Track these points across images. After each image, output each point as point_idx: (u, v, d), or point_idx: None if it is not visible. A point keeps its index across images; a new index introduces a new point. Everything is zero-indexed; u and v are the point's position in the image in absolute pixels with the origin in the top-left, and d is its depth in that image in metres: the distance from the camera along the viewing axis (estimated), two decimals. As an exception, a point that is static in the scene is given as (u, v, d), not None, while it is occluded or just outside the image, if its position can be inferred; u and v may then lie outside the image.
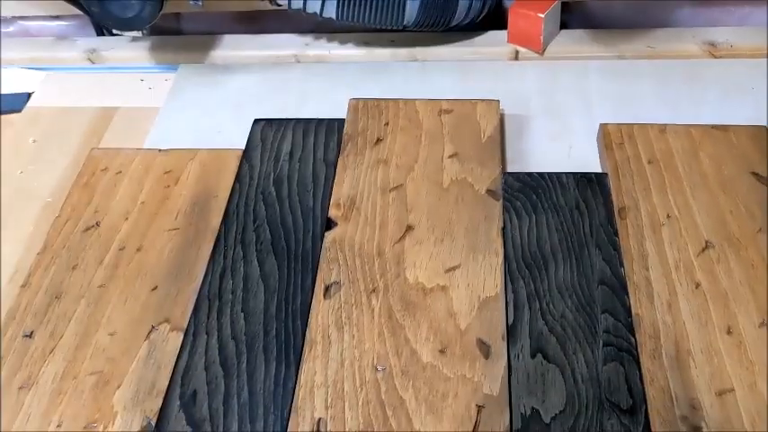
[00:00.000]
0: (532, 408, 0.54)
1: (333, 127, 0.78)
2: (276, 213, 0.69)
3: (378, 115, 0.78)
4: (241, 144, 0.77)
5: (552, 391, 0.54)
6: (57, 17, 0.99)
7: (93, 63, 0.95)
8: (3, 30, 1.00)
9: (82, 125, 0.86)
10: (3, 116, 0.88)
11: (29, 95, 0.92)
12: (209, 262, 0.66)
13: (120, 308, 0.63)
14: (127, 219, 0.70)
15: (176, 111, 0.87)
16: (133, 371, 0.58)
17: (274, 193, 0.71)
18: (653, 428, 0.52)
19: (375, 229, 0.67)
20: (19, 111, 0.89)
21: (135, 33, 0.95)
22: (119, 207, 0.71)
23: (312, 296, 0.62)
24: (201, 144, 0.79)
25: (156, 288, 0.64)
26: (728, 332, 0.57)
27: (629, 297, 0.60)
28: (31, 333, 0.62)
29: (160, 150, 0.77)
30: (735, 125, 0.73)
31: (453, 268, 0.63)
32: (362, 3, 0.82)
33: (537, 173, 0.71)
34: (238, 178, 0.73)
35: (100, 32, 0.99)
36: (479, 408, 0.54)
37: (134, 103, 0.88)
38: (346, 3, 0.82)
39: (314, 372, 0.57)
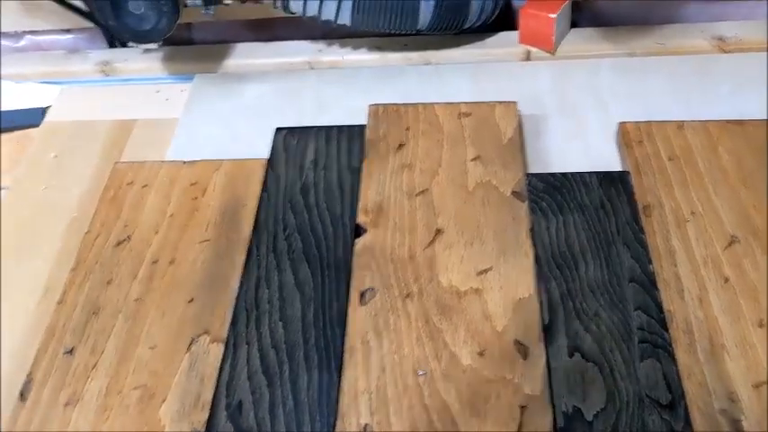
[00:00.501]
0: (574, 406, 0.55)
1: (354, 133, 0.79)
2: (305, 221, 0.70)
3: (398, 120, 0.79)
4: (262, 153, 0.78)
5: (592, 390, 0.56)
6: (67, 30, 0.99)
7: (108, 75, 0.95)
8: (14, 45, 1.00)
9: (101, 138, 0.86)
10: (22, 131, 0.88)
11: (45, 110, 0.92)
12: (243, 272, 0.66)
13: (158, 321, 0.63)
14: (157, 232, 0.71)
15: (195, 121, 0.87)
16: (177, 384, 0.59)
17: (302, 202, 0.72)
18: (693, 423, 0.53)
19: (404, 234, 0.68)
20: (37, 125, 0.90)
21: (149, 45, 0.95)
22: (148, 220, 0.72)
23: (348, 303, 0.63)
24: (222, 154, 0.80)
25: (192, 300, 0.65)
26: (760, 325, 0.58)
27: (659, 293, 0.61)
28: (72, 350, 0.62)
29: (185, 162, 0.77)
30: (751, 119, 0.74)
31: (485, 271, 0.64)
32: (377, 8, 0.83)
33: (560, 173, 0.72)
34: (265, 187, 0.74)
35: (112, 44, 0.99)
36: (522, 408, 0.55)
37: (152, 114, 0.88)
38: (361, 9, 0.83)
39: (356, 378, 0.58)
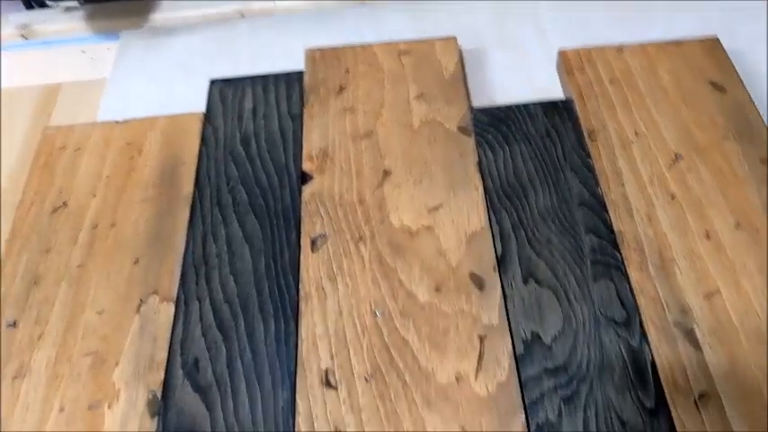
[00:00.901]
0: (532, 332, 0.55)
1: (292, 80, 0.76)
2: (249, 173, 0.68)
3: (336, 63, 0.77)
4: (198, 107, 0.75)
5: (549, 314, 0.56)
6: (-21, -6, 0.93)
7: (27, 39, 0.90)
8: None
9: (26, 105, 0.82)
10: (-61, 104, 0.83)
11: (-35, 79, 0.87)
12: (188, 228, 0.64)
13: (103, 285, 0.61)
14: (95, 195, 0.68)
15: (124, 80, 0.83)
16: (129, 346, 0.57)
17: (243, 153, 0.70)
18: (649, 337, 0.54)
19: (352, 177, 0.67)
20: (-43, 95, 0.85)
21: (69, 3, 0.90)
22: (84, 184, 0.69)
23: (299, 251, 0.62)
24: (156, 111, 0.76)
25: (137, 261, 0.62)
26: (707, 237, 0.59)
27: (609, 215, 0.61)
28: (15, 322, 0.60)
29: (117, 122, 0.74)
30: (687, 39, 0.75)
31: (436, 207, 0.63)
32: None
33: (504, 105, 0.71)
34: (204, 142, 0.71)
35: (29, 5, 0.94)
36: (481, 338, 0.55)
37: (78, 76, 0.84)
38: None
39: (313, 324, 0.57)
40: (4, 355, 0.58)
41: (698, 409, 0.50)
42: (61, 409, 0.54)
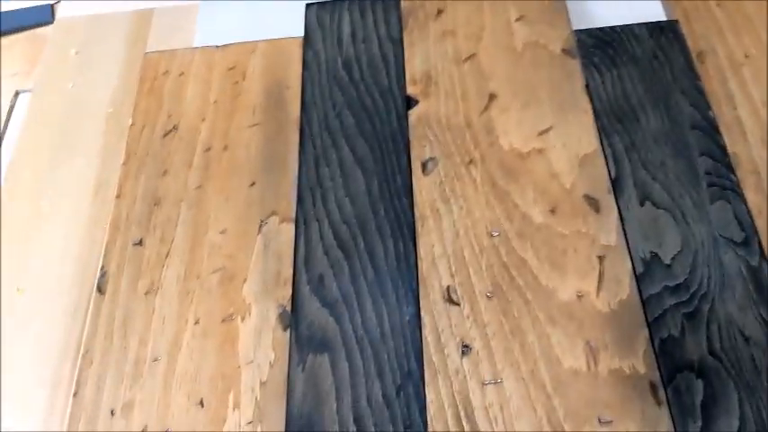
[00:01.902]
0: (651, 252, 0.56)
1: (389, 4, 0.76)
2: (354, 97, 0.69)
3: (433, -14, 0.76)
4: (293, 31, 0.75)
5: (667, 235, 0.57)
6: None
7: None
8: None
9: (121, 30, 0.83)
10: (38, 30, 0.84)
11: (52, 6, 0.88)
12: (299, 152, 0.66)
13: (223, 206, 0.63)
14: (204, 120, 0.69)
15: (216, 4, 0.83)
16: (255, 264, 0.60)
17: (347, 78, 0.70)
18: (768, 257, 0.55)
19: (457, 101, 0.67)
20: (47, 23, 0.86)
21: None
22: (192, 109, 0.70)
23: (410, 174, 0.63)
24: (252, 35, 0.77)
25: (253, 184, 0.64)
26: (826, 160, 0.59)
27: (722, 137, 0.61)
28: (141, 240, 0.62)
29: (217, 47, 0.75)
30: (797, -43, 0.72)
31: (546, 130, 0.64)
32: None
33: (608, 27, 0.70)
34: (306, 66, 0.72)
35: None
36: (600, 258, 0.56)
37: (170, 1, 0.84)
38: None
39: (431, 244, 0.59)
40: (133, 273, 0.61)
41: (822, 326, 0.51)
42: (196, 322, 0.57)
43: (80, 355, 0.57)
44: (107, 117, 0.75)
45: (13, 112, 0.80)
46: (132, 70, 0.78)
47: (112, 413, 0.54)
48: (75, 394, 0.55)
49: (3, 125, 0.78)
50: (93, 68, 0.80)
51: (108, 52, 0.81)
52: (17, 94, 0.81)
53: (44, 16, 0.87)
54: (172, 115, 0.70)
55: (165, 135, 0.69)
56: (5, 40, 0.86)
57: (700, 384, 0.50)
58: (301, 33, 0.75)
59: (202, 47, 0.76)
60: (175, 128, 0.69)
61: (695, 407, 0.49)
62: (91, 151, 0.73)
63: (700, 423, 0.49)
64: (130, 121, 0.70)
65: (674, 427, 0.48)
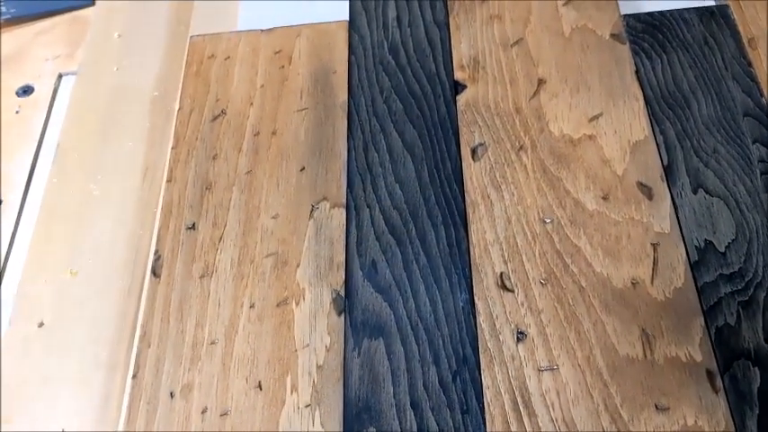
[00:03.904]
0: (705, 240, 0.56)
1: (433, -13, 0.76)
2: (401, 82, 0.69)
3: (477, -31, 0.76)
4: (337, 15, 0.75)
5: (721, 223, 0.57)
6: None
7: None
8: None
9: (164, 13, 0.83)
10: (77, 12, 0.85)
11: (92, -12, 0.88)
12: (348, 138, 0.66)
13: (274, 191, 0.64)
14: (252, 104, 0.70)
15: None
16: (307, 248, 0.60)
17: (393, 62, 0.70)
18: (824, 245, 0.55)
19: (506, 86, 0.67)
20: (92, 4, 0.86)
21: None
22: (239, 93, 0.71)
23: (460, 160, 0.63)
24: (295, 19, 0.77)
25: (303, 169, 0.65)
26: None
27: (776, 125, 0.61)
28: (194, 225, 0.63)
29: (262, 31, 0.75)
30: None
31: (596, 117, 0.64)
32: None
33: (657, 12, 0.70)
34: (352, 51, 0.72)
35: None
36: (654, 245, 0.56)
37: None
38: None
39: (483, 231, 0.59)
40: (187, 257, 0.61)
41: None
42: (251, 306, 0.58)
43: (137, 338, 0.58)
44: (152, 100, 0.75)
45: (57, 95, 0.80)
46: (176, 53, 0.78)
47: (172, 395, 0.55)
48: (134, 376, 0.56)
49: (47, 108, 0.79)
50: (136, 52, 0.80)
51: (151, 35, 0.81)
52: (60, 76, 0.82)
53: (84, -2, 0.87)
54: (219, 99, 0.71)
55: (214, 119, 0.69)
56: (47, 22, 0.87)
57: (756, 372, 0.50)
58: (345, 17, 0.75)
59: (247, 30, 0.76)
60: (224, 112, 0.70)
61: (752, 394, 0.49)
62: (137, 134, 0.73)
63: (757, 410, 0.49)
64: (177, 105, 0.71)
65: (732, 415, 0.49)
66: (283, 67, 0.72)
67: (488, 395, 0.52)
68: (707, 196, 0.58)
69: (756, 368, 0.50)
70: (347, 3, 0.76)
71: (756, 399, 0.49)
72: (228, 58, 0.73)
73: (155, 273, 0.61)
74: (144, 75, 0.78)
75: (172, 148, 0.68)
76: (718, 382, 0.50)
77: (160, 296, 0.60)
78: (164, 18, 0.83)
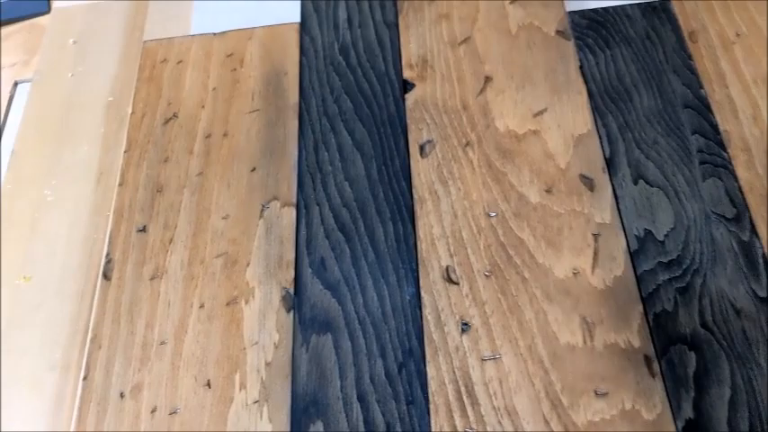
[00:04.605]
0: (645, 229, 0.57)
1: (384, -12, 0.77)
2: (351, 82, 0.70)
3: (427, -30, 0.77)
4: (290, 17, 0.76)
5: (660, 212, 0.58)
6: None
7: (108, -48, 0.90)
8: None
9: (118, 19, 0.83)
10: (35, 20, 0.85)
11: (49, -4, 0.88)
12: (299, 137, 0.67)
13: (225, 192, 0.64)
14: (203, 107, 0.70)
15: (211, -8, 0.84)
16: (257, 248, 0.61)
17: (344, 63, 0.71)
18: (758, 232, 0.56)
19: (454, 84, 0.68)
20: (44, 13, 0.86)
21: None
22: (191, 96, 0.71)
23: (408, 157, 0.64)
24: (248, 21, 0.77)
25: (254, 169, 0.65)
26: (815, 136, 0.60)
27: (714, 116, 0.62)
28: (144, 227, 0.63)
29: (215, 34, 0.76)
30: (787, -65, 0.73)
31: (541, 112, 0.65)
32: None
33: (601, 8, 0.71)
34: (303, 52, 0.73)
35: None
36: (595, 236, 0.58)
37: (165, -11, 0.85)
38: None
39: (430, 226, 0.60)
40: (138, 259, 0.62)
41: (811, 298, 0.53)
42: (201, 306, 0.59)
43: (88, 340, 0.58)
44: (107, 105, 0.76)
45: (13, 103, 0.80)
46: (130, 59, 0.78)
47: (122, 395, 0.55)
48: (84, 378, 0.57)
49: (3, 115, 0.79)
50: (91, 57, 0.80)
51: (106, 41, 0.81)
52: (16, 84, 0.82)
53: (40, 6, 0.87)
54: (172, 103, 0.71)
55: (166, 122, 0.70)
56: (4, 30, 0.87)
57: (692, 356, 0.51)
58: (297, 19, 0.76)
59: (200, 34, 0.77)
60: (175, 115, 0.70)
61: (688, 378, 0.51)
62: (92, 139, 0.73)
63: (693, 393, 0.50)
64: (130, 110, 0.71)
65: (668, 398, 0.50)
66: (235, 69, 0.72)
67: (433, 386, 0.53)
68: (647, 187, 0.60)
69: (692, 352, 0.52)
70: (299, 5, 0.77)
71: (692, 382, 0.51)
72: (181, 61, 0.74)
73: (106, 276, 0.61)
74: (99, 80, 0.78)
75: (124, 152, 0.68)
76: (656, 367, 0.51)
77: (111, 298, 0.60)
78: (119, 24, 0.83)
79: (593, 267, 0.56)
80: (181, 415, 0.54)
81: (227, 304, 0.58)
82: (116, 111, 0.75)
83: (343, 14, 0.75)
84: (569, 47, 0.68)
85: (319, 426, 0.52)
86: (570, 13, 0.71)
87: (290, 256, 0.60)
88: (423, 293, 0.57)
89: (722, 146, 0.61)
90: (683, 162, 0.60)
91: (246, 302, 0.58)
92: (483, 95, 0.67)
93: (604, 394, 0.51)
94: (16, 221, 0.69)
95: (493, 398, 0.52)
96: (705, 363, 0.51)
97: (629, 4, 0.71)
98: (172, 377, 0.56)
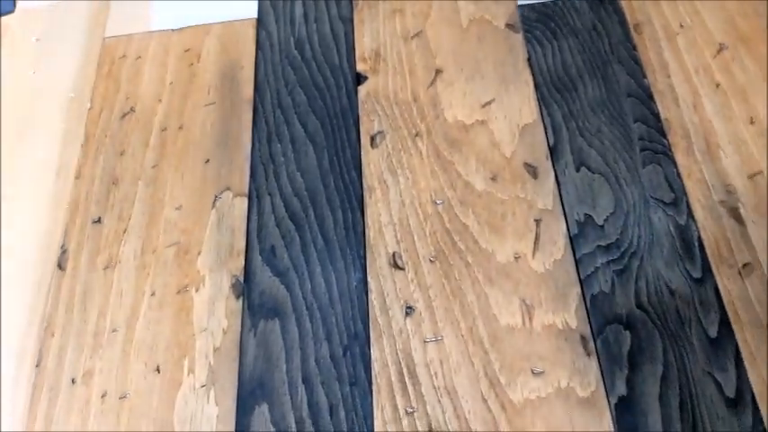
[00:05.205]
0: (585, 214, 0.59)
1: (340, -16, 0.78)
2: (306, 75, 0.71)
3: (382, -34, 0.78)
4: (248, 13, 0.78)
5: (601, 198, 0.60)
6: None
7: (73, -48, 0.92)
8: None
9: (81, 17, 0.84)
10: (1, 18, 0.86)
11: (14, -5, 0.89)
12: (252, 130, 0.68)
13: (179, 183, 0.65)
14: (160, 101, 0.71)
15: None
16: (209, 237, 0.62)
17: (299, 57, 0.73)
18: (695, 215, 0.58)
19: (405, 77, 0.69)
20: (11, 11, 0.87)
21: None
22: (149, 91, 0.72)
23: (360, 148, 0.65)
24: (207, 18, 0.79)
25: (208, 161, 0.66)
26: (751, 122, 0.62)
27: (656, 104, 0.64)
28: (99, 219, 0.65)
29: (173, 30, 0.77)
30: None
31: (489, 103, 0.66)
32: None
33: (550, 1, 0.73)
34: (259, 46, 0.74)
35: None
36: (537, 221, 0.59)
37: (128, -13, 0.86)
38: None
39: (379, 214, 0.61)
40: (93, 249, 0.63)
41: (741, 277, 0.54)
42: (152, 294, 0.60)
43: (42, 329, 0.59)
44: (69, 102, 0.77)
45: (-23, 100, 0.81)
46: (92, 56, 0.79)
47: (73, 381, 0.56)
48: (37, 365, 0.58)
49: (-33, 113, 0.80)
50: (53, 55, 0.81)
51: (68, 39, 0.82)
52: (-20, 82, 0.83)
53: (7, 6, 0.88)
54: (129, 98, 0.72)
55: (123, 117, 0.71)
56: (-32, 29, 0.88)
57: (627, 336, 0.53)
58: (255, 15, 0.77)
59: (159, 31, 0.78)
60: (132, 109, 0.71)
61: (622, 356, 0.52)
62: (53, 135, 0.74)
63: (626, 371, 0.51)
64: (89, 105, 0.72)
65: (602, 376, 0.51)
66: (192, 64, 0.74)
67: (376, 367, 0.54)
68: (589, 173, 0.61)
69: (627, 332, 0.53)
70: (257, 2, 0.78)
71: (626, 360, 0.52)
72: (140, 57, 0.75)
73: (60, 266, 0.62)
74: (60, 77, 0.79)
75: (81, 146, 0.69)
76: (591, 346, 0.53)
77: (65, 288, 0.61)
78: (82, 23, 0.84)
79: (534, 251, 0.57)
80: (130, 400, 0.55)
81: (178, 292, 0.59)
82: (77, 106, 0.76)
83: (299, 10, 0.76)
84: (518, 39, 0.70)
85: (264, 408, 0.53)
86: (521, 6, 0.73)
87: (241, 244, 0.61)
88: (369, 279, 0.58)
89: (663, 133, 0.62)
90: (625, 149, 0.62)
91: (197, 290, 0.59)
92: (433, 87, 0.68)
93: (541, 373, 0.52)
94: (-24, 215, 0.70)
95: (433, 378, 0.53)
96: (639, 341, 0.53)
97: (578, -2, 0.73)
98: (122, 363, 0.57)
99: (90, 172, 0.68)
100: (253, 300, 0.58)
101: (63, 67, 0.80)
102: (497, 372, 0.52)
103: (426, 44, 0.71)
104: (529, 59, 0.69)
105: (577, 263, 0.56)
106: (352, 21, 0.74)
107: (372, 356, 0.54)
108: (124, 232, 0.63)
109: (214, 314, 0.58)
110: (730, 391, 0.50)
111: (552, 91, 0.66)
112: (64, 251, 0.63)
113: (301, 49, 0.73)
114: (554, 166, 0.62)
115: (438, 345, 0.54)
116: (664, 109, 0.64)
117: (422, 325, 0.55)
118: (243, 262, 0.60)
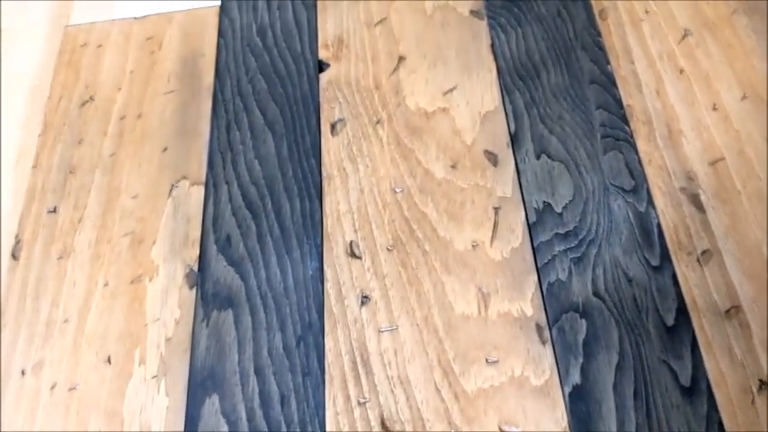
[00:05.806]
0: (544, 202, 0.58)
1: (305, -29, 0.77)
2: (267, 63, 0.70)
3: (348, -47, 0.77)
4: (211, 1, 0.76)
5: (560, 185, 0.59)
6: None
7: (38, -60, 0.90)
8: None
9: (44, 5, 0.83)
10: (-41, 7, 0.84)
11: (-22, -17, 0.88)
12: (211, 117, 0.67)
13: (135, 172, 0.64)
14: (120, 89, 0.70)
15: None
16: (164, 226, 0.61)
17: (260, 44, 0.72)
18: (655, 202, 0.57)
19: (368, 64, 0.68)
20: (-27, 0, 0.86)
21: None
22: (108, 79, 0.71)
23: (320, 135, 0.64)
24: (171, 6, 0.77)
25: (166, 149, 0.65)
26: (714, 108, 0.61)
27: (618, 90, 0.63)
28: (55, 208, 0.63)
29: (135, 18, 0.76)
30: None
31: (451, 90, 0.65)
32: None
33: (516, -12, 0.72)
34: (221, 34, 0.73)
35: None
36: (496, 209, 0.58)
37: (92, -25, 0.85)
38: None
39: (337, 202, 0.60)
40: (47, 239, 0.62)
41: (700, 264, 0.53)
42: (105, 284, 0.59)
43: (-6, 320, 0.58)
44: (32, 89, 0.76)
45: (-61, 90, 0.80)
46: (55, 44, 0.78)
47: (23, 373, 0.55)
48: (-13, 357, 0.57)
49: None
50: (18, 44, 0.80)
51: (33, 27, 0.81)
52: (-58, 71, 0.81)
53: (-31, -6, 0.87)
54: (89, 86, 0.71)
55: (82, 105, 0.70)
56: (-69, 18, 0.86)
57: (583, 324, 0.52)
58: (218, 2, 0.76)
59: (121, 19, 0.77)
60: (92, 98, 0.70)
61: (578, 344, 0.51)
62: (14, 123, 0.73)
63: (581, 359, 0.51)
64: (48, 94, 0.71)
65: (557, 364, 0.51)
66: (153, 52, 0.73)
67: (329, 357, 0.53)
68: (549, 161, 0.60)
69: (583, 320, 0.52)
70: (221, -12, 0.77)
71: (581, 348, 0.51)
72: (101, 45, 0.74)
73: (14, 256, 0.61)
74: (25, 66, 0.78)
75: (39, 135, 0.68)
76: (546, 335, 0.52)
77: (18, 278, 0.60)
78: (46, 10, 0.83)
79: (492, 239, 0.57)
80: (79, 391, 0.54)
81: (132, 282, 0.58)
82: (39, 95, 0.75)
83: (263, -3, 0.75)
84: (482, 26, 0.69)
85: (215, 399, 0.52)
86: (486, -7, 0.72)
87: (197, 233, 0.60)
88: (326, 268, 0.57)
89: (625, 120, 0.62)
90: (586, 136, 0.61)
91: (150, 280, 0.58)
92: (396, 74, 0.67)
93: (495, 362, 0.51)
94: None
95: (387, 367, 0.52)
96: (595, 330, 0.52)
97: (544, -16, 0.72)
98: (73, 354, 0.56)
99: (47, 161, 0.67)
100: (206, 290, 0.57)
101: (28, 56, 0.79)
102: (451, 361, 0.52)
103: (390, 31, 0.70)
104: (492, 46, 0.68)
105: (535, 251, 0.56)
106: (315, 7, 0.73)
107: (326, 346, 0.53)
108: (79, 221, 0.62)
109: (167, 304, 0.57)
110: (685, 380, 0.49)
111: (515, 78, 0.65)
112: (18, 241, 0.62)
113: (263, 36, 0.72)
114: (514, 154, 0.61)
115: (393, 334, 0.53)
116: (626, 95, 0.63)
117: (377, 314, 0.54)
118: (198, 251, 0.59)
